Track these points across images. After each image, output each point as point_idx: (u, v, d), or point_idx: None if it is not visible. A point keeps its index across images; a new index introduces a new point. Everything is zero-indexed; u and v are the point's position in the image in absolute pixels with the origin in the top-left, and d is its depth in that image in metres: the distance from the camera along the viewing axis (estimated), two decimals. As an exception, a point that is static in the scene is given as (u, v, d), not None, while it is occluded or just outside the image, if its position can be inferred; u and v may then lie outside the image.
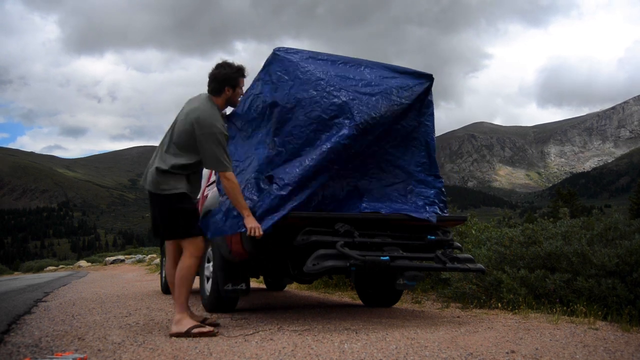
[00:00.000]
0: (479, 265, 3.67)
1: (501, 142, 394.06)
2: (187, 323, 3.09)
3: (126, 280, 10.59)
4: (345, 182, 3.68)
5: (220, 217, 3.38)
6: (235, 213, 3.28)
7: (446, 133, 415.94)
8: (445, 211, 3.91)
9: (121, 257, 23.98)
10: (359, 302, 5.14)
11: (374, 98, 3.64)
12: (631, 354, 2.66)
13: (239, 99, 3.53)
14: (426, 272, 5.27)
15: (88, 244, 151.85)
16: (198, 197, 3.36)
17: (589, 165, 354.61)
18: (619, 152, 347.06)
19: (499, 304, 4.34)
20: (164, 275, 6.58)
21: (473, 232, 6.51)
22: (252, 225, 3.15)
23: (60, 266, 26.39)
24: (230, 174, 3.15)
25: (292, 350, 2.65)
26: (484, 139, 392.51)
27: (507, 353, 2.61)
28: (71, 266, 24.95)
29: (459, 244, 3.82)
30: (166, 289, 6.39)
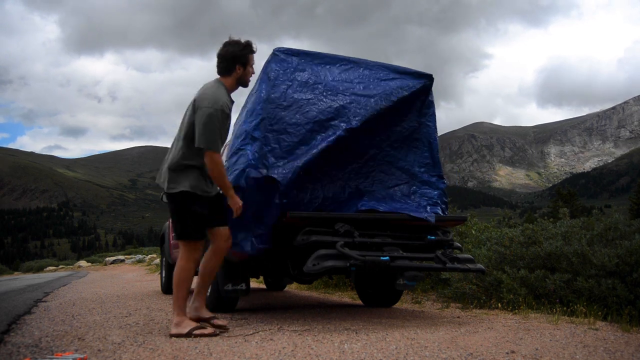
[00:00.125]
0: (479, 266, 3.67)
1: (501, 142, 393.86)
2: (187, 325, 3.07)
3: (126, 281, 10.59)
4: (346, 184, 3.67)
5: None
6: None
7: (446, 133, 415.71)
8: (446, 212, 3.92)
9: (121, 257, 23.96)
10: (359, 302, 5.14)
11: (372, 100, 3.64)
12: (631, 354, 2.66)
13: (249, 78, 3.37)
14: (426, 272, 5.27)
15: (88, 244, 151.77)
16: (215, 191, 3.26)
17: (589, 165, 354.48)
18: (619, 152, 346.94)
19: (499, 304, 4.34)
20: (164, 275, 6.58)
21: (473, 232, 6.51)
22: (236, 204, 3.15)
23: (60, 266, 26.36)
24: (216, 155, 3.05)
25: (292, 351, 2.65)
26: (484, 139, 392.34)
27: (507, 353, 2.61)
28: (71, 266, 24.92)
29: (459, 244, 3.82)
30: (166, 289, 6.38)
